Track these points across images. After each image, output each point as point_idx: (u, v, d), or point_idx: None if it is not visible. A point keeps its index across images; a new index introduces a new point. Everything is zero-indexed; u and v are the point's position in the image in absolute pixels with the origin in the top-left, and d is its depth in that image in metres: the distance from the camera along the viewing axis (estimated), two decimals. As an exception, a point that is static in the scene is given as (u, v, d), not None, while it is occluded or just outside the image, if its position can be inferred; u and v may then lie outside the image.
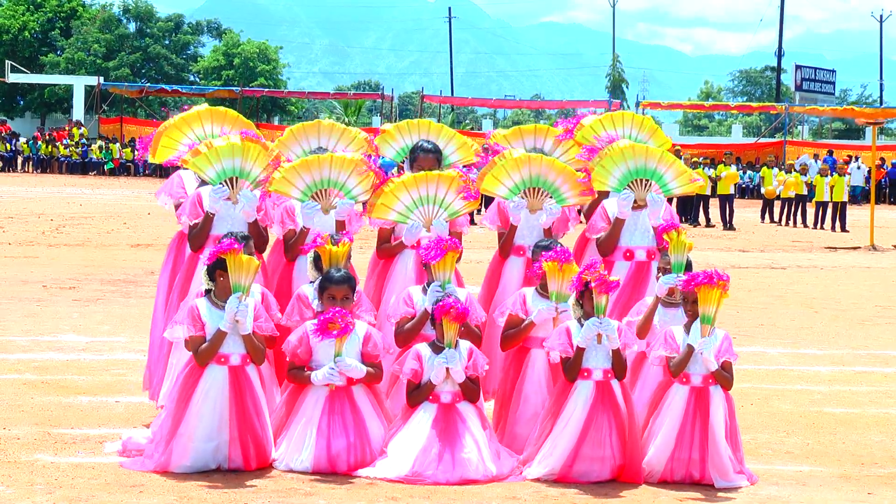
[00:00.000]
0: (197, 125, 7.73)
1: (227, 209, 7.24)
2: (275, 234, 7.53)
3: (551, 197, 7.48)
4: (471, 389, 6.66)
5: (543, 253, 6.87)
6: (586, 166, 7.56)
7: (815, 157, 40.96)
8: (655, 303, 6.90)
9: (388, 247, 7.47)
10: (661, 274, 7.00)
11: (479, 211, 14.27)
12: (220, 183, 7.18)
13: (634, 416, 6.62)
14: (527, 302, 6.95)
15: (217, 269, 6.48)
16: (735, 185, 30.57)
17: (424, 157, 7.62)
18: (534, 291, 7.02)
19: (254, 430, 6.47)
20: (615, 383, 6.60)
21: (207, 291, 6.59)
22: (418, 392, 6.62)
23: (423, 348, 6.68)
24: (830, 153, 41.93)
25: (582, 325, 6.57)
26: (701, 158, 33.79)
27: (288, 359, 6.69)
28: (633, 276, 7.44)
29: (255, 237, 7.09)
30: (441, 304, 6.59)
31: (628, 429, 6.53)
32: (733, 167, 31.90)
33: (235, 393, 6.46)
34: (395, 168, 8.09)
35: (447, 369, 6.54)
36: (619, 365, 6.60)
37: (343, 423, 6.53)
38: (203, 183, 7.42)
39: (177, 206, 7.61)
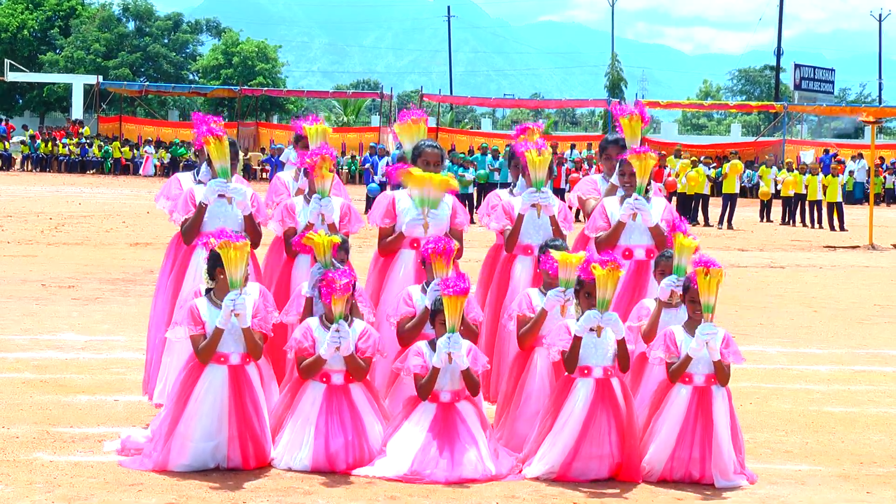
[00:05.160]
0: None
1: (219, 205, 7.27)
2: (273, 231, 7.54)
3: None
4: (472, 381, 6.67)
5: (551, 251, 6.90)
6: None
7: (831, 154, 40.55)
8: (659, 307, 6.89)
9: (389, 241, 7.47)
10: (659, 276, 7.00)
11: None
12: (224, 179, 7.21)
13: (634, 415, 6.62)
14: (532, 301, 6.98)
15: (217, 266, 6.49)
16: (738, 176, 30.55)
17: (431, 153, 7.63)
18: (538, 291, 7.04)
19: (253, 429, 6.47)
20: (615, 381, 6.60)
21: (208, 290, 6.60)
22: (426, 382, 6.61)
23: (423, 345, 6.69)
24: (827, 152, 41.92)
25: (578, 315, 6.62)
26: (702, 158, 33.77)
27: (293, 355, 6.67)
28: (633, 275, 7.43)
29: (250, 233, 7.13)
30: (441, 281, 6.62)
31: (627, 427, 6.53)
32: (737, 160, 31.94)
33: (235, 392, 6.46)
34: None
35: (449, 355, 6.54)
36: (622, 357, 6.60)
37: (341, 421, 6.53)
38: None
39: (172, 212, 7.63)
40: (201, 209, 7.27)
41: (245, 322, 6.42)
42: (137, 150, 49.10)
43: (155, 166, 47.13)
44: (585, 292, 6.61)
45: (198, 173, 7.57)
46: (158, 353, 7.45)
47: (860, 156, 40.62)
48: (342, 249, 6.99)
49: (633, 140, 7.78)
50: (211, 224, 7.26)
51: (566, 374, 6.63)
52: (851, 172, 39.31)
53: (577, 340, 6.56)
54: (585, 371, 6.57)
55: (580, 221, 8.27)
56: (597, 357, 6.58)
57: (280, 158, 30.54)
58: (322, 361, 6.56)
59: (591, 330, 6.56)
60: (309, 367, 6.60)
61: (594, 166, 35.42)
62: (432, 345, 6.63)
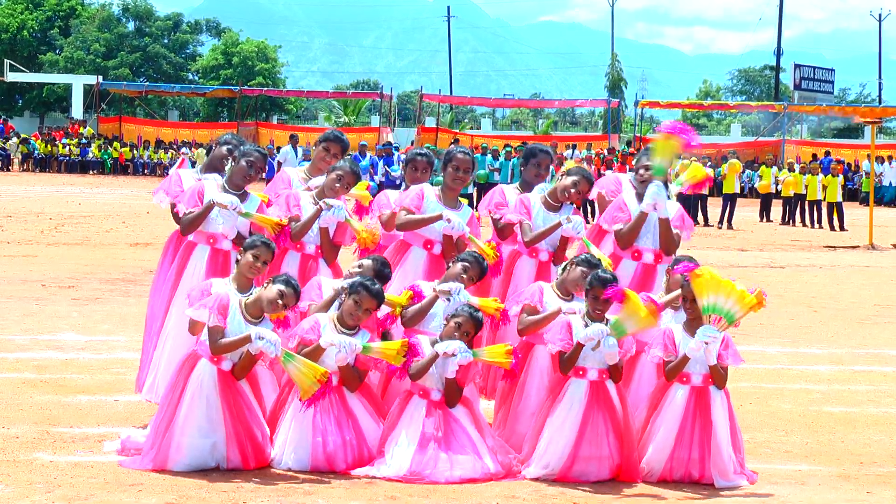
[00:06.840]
0: None
1: (226, 211, 7.29)
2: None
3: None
4: (452, 390, 6.63)
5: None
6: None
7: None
8: (676, 299, 6.84)
9: (412, 219, 7.40)
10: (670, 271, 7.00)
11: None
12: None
13: (629, 415, 6.62)
14: (544, 296, 6.92)
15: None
16: (737, 175, 30.53)
17: (463, 159, 7.62)
18: (552, 289, 6.99)
19: (250, 429, 6.47)
20: (609, 383, 6.60)
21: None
22: (423, 365, 6.58)
23: (424, 342, 6.67)
24: (828, 154, 41.91)
25: (584, 322, 6.59)
26: (701, 158, 33.76)
27: (295, 343, 6.64)
28: (640, 278, 7.36)
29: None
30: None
31: (624, 428, 6.53)
32: (736, 160, 31.95)
33: (225, 392, 6.45)
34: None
35: (445, 353, 6.52)
36: (615, 370, 6.60)
37: (337, 421, 6.53)
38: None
39: (174, 205, 7.64)
40: (209, 206, 7.30)
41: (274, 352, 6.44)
42: (137, 150, 49.07)
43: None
44: (601, 305, 6.59)
45: (201, 172, 7.63)
46: (153, 351, 7.45)
47: (883, 159, 40.60)
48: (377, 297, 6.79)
49: (665, 160, 7.50)
50: (213, 224, 7.32)
51: (557, 373, 6.63)
52: (867, 174, 39.24)
53: (578, 346, 6.55)
54: (581, 372, 6.57)
55: (589, 222, 8.22)
56: (593, 359, 6.58)
57: (278, 158, 30.54)
58: (320, 350, 6.54)
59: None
60: (308, 355, 6.57)
61: (593, 167, 35.45)
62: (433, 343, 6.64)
